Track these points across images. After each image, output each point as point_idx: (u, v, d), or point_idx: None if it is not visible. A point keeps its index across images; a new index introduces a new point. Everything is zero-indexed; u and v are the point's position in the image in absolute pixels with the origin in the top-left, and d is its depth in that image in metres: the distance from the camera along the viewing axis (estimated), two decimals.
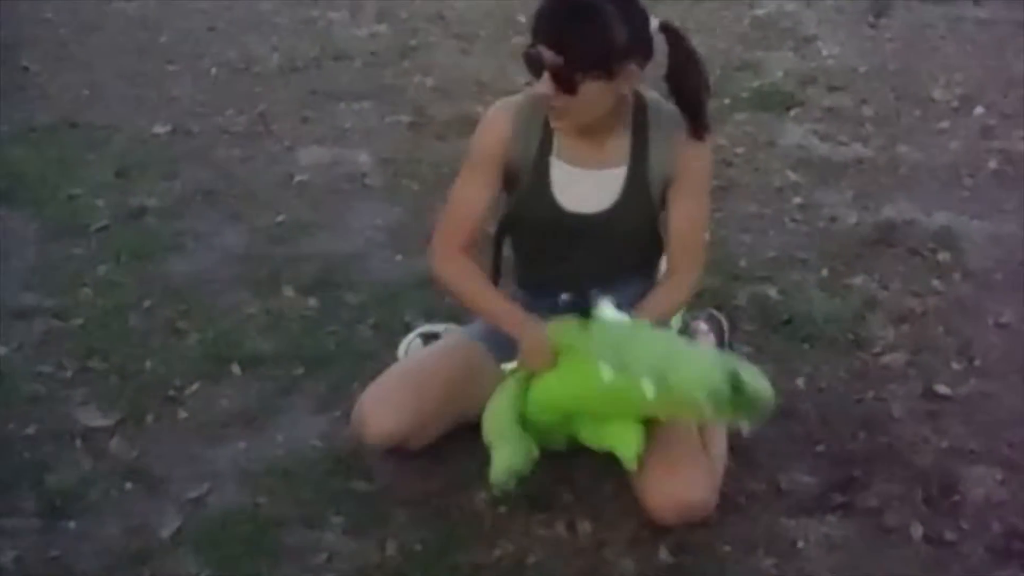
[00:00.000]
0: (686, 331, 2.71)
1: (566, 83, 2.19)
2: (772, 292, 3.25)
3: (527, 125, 2.37)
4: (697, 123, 2.33)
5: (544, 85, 2.21)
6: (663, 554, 2.31)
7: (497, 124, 2.40)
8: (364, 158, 4.18)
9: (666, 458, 2.29)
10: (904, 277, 3.36)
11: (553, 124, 2.31)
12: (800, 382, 2.86)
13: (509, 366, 2.42)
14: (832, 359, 2.96)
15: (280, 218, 3.74)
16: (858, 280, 3.34)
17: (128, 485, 2.52)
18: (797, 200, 3.87)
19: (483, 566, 2.28)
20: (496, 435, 2.31)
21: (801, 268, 3.41)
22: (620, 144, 2.37)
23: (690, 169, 2.38)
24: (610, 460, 2.42)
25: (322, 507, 2.43)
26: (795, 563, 2.29)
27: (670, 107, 2.36)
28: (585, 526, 2.37)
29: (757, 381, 2.08)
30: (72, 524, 2.41)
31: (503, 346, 2.43)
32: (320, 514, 2.41)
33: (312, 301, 3.24)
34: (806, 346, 3.01)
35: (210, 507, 2.46)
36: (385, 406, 2.39)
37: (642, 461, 2.28)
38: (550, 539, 2.35)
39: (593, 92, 2.21)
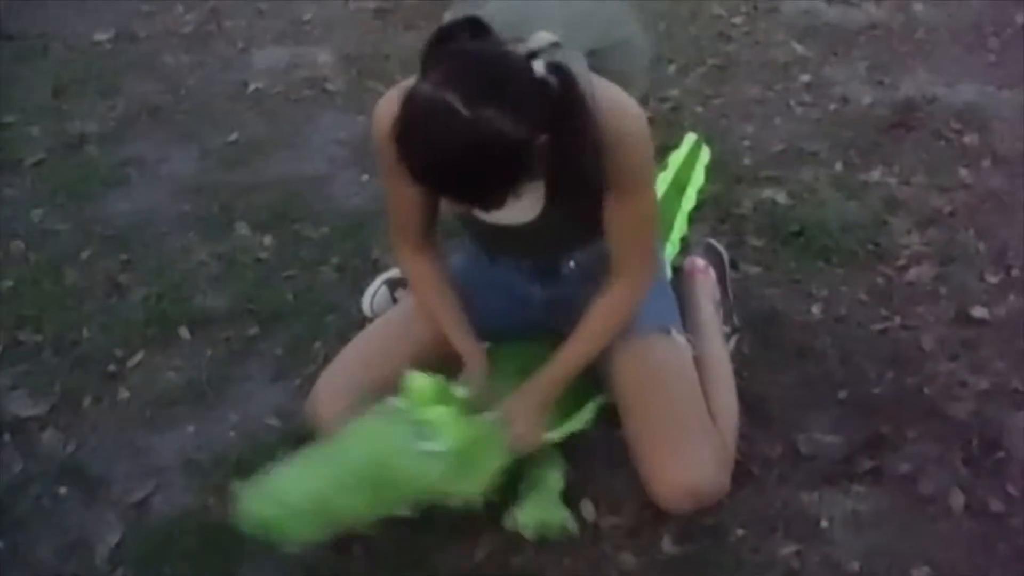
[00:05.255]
0: (680, 271, 2.38)
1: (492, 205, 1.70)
2: (780, 197, 2.90)
3: None
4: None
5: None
6: (667, 544, 2.02)
7: (388, 125, 1.67)
8: (325, 57, 3.79)
9: (671, 439, 1.95)
10: (928, 167, 3.00)
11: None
12: (816, 310, 2.53)
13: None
14: (851, 277, 2.63)
15: (233, 136, 3.39)
16: (876, 175, 2.98)
17: (63, 489, 2.23)
18: (804, 78, 3.49)
19: (463, 572, 2.00)
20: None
21: (812, 163, 3.05)
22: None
23: (619, 167, 1.79)
24: (599, 441, 2.13)
25: None
26: (819, 548, 1.99)
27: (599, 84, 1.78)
28: (577, 515, 2.07)
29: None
30: None
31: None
32: None
33: (268, 240, 2.90)
34: (821, 263, 2.68)
35: (154, 513, 2.17)
36: (342, 395, 2.04)
37: (646, 442, 1.97)
38: None
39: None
